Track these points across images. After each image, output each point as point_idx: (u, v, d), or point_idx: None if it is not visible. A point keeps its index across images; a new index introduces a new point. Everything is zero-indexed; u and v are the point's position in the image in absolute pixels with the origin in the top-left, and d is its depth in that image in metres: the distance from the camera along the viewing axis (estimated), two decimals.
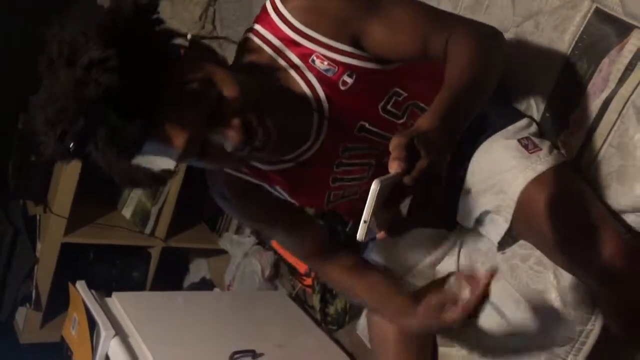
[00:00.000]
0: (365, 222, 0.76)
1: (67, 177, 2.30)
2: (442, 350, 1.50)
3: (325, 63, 1.09)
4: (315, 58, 1.09)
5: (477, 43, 1.02)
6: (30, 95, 0.92)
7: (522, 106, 1.39)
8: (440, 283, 1.19)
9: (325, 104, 1.12)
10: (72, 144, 0.87)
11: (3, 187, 2.44)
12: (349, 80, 1.10)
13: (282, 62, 1.10)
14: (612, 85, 1.21)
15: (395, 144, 0.78)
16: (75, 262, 2.50)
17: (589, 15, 1.27)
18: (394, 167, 0.76)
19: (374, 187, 0.75)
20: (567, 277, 1.23)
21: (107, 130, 0.86)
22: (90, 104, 0.85)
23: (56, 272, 2.42)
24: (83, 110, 0.85)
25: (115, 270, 2.61)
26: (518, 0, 1.39)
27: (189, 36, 0.99)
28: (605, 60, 1.23)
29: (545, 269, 1.28)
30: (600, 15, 1.25)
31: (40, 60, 0.90)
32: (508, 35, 1.43)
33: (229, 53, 1.22)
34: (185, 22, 2.59)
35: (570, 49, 1.29)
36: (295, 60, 1.09)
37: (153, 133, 0.90)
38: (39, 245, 2.42)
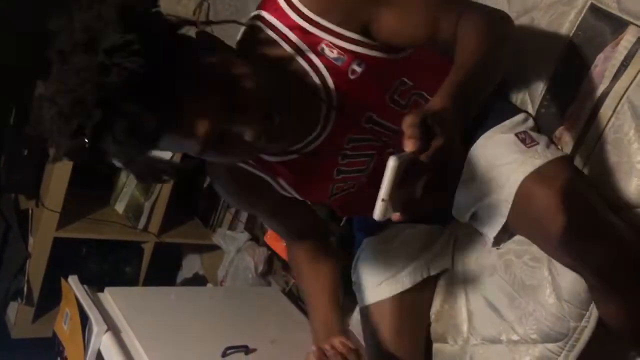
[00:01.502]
0: (383, 200, 0.73)
1: (60, 171, 2.28)
2: (436, 346, 1.50)
3: (335, 52, 1.06)
4: (324, 46, 1.06)
5: (486, 25, 1.01)
6: (22, 91, 0.89)
7: (517, 101, 1.39)
8: None
9: (334, 94, 1.09)
10: (87, 139, 0.83)
11: None
12: (358, 70, 1.08)
13: (290, 50, 1.07)
14: (607, 81, 1.21)
15: (409, 122, 0.76)
16: (67, 257, 2.48)
17: (584, 11, 1.26)
18: (409, 146, 0.74)
19: (392, 163, 0.72)
20: (561, 274, 1.23)
21: (127, 121, 0.83)
22: (109, 93, 0.81)
23: (48, 267, 2.40)
24: (101, 100, 0.81)
25: (108, 265, 2.60)
26: None
27: (199, 24, 0.98)
28: (600, 56, 1.23)
29: (540, 264, 1.28)
30: (596, 11, 1.25)
31: (48, 54, 0.87)
32: None
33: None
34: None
35: (565, 45, 1.29)
36: (304, 48, 1.07)
37: (174, 124, 0.88)
38: (30, 240, 2.40)
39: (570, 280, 1.21)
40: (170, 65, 0.86)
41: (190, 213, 2.79)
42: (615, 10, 1.22)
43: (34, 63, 1.14)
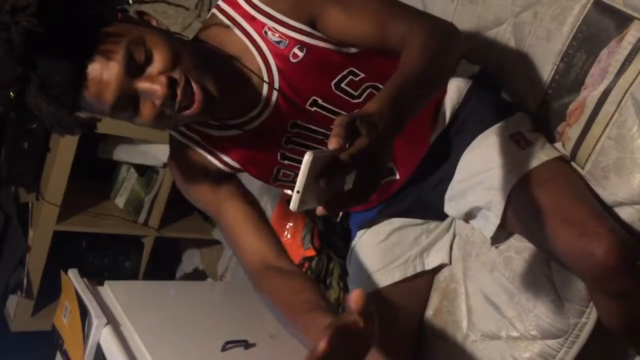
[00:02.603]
0: (298, 192, 0.77)
1: (60, 164, 2.28)
2: (435, 342, 1.50)
3: (277, 35, 1.15)
4: (267, 30, 1.15)
5: (433, 38, 1.05)
6: None
7: (519, 97, 1.38)
8: None
9: (276, 75, 1.16)
10: (11, 92, 0.94)
11: None
12: (300, 54, 1.16)
13: (239, 33, 1.16)
14: (610, 76, 1.21)
15: (338, 121, 0.80)
16: (67, 251, 2.48)
17: (589, 5, 1.26)
18: (332, 144, 0.78)
19: (307, 158, 0.76)
20: (561, 270, 1.23)
21: (39, 78, 0.93)
22: (16, 48, 0.91)
23: (48, 260, 2.40)
24: (13, 55, 0.92)
25: (108, 259, 2.59)
26: None
27: (131, 1, 1.07)
28: (604, 52, 1.22)
29: (539, 261, 1.27)
30: (600, 6, 1.24)
31: None
32: (506, 26, 1.42)
33: None
34: (181, 11, 2.56)
35: (569, 40, 1.28)
36: (251, 32, 1.16)
37: (83, 84, 0.97)
38: (30, 233, 2.40)
39: (570, 277, 1.21)
40: (74, 28, 0.95)
41: (190, 207, 2.77)
42: (620, 5, 1.21)
43: None
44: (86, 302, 1.73)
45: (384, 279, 1.45)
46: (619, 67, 1.19)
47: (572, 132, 1.27)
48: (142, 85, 1.01)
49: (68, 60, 0.95)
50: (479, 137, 1.28)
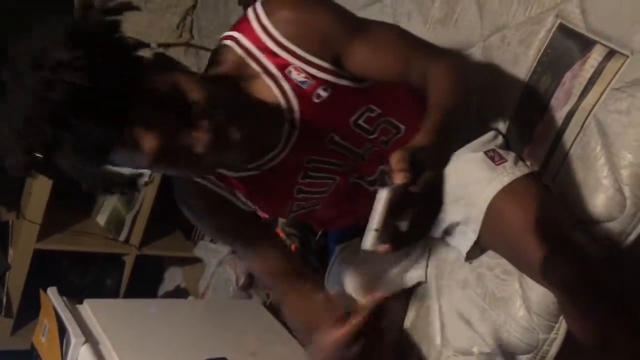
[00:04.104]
0: (376, 230, 0.76)
1: (41, 182, 2.27)
2: (409, 358, 1.51)
3: (302, 75, 1.10)
4: (292, 69, 1.10)
5: (455, 71, 1.09)
6: None
7: (488, 119, 1.41)
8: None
9: (297, 115, 1.13)
10: (40, 156, 0.86)
11: None
12: (323, 94, 1.12)
13: (258, 69, 1.11)
14: (574, 98, 1.24)
15: (398, 157, 0.80)
16: (47, 269, 2.47)
17: (553, 30, 1.30)
18: (399, 178, 0.79)
19: (385, 194, 0.75)
20: (532, 286, 1.25)
21: (75, 137, 0.86)
22: (56, 108, 0.84)
23: (28, 279, 2.39)
24: (49, 116, 0.84)
25: (89, 277, 2.58)
26: (485, 15, 1.42)
27: (153, 45, 1.00)
28: (568, 74, 1.26)
29: (510, 277, 1.30)
30: (564, 31, 1.28)
31: (2, 75, 0.89)
32: (476, 49, 1.45)
33: (205, 60, 1.24)
34: (163, 31, 2.58)
35: (535, 63, 1.32)
36: (272, 69, 1.10)
37: (121, 139, 0.89)
38: (10, 252, 2.39)
39: (540, 293, 1.23)
40: (116, 83, 0.88)
41: (172, 225, 2.79)
42: (582, 30, 1.25)
43: None
44: (65, 320, 1.73)
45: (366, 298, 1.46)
46: (582, 89, 1.23)
47: (539, 152, 1.30)
48: (184, 134, 0.94)
49: (111, 119, 0.87)
50: (455, 154, 1.31)
